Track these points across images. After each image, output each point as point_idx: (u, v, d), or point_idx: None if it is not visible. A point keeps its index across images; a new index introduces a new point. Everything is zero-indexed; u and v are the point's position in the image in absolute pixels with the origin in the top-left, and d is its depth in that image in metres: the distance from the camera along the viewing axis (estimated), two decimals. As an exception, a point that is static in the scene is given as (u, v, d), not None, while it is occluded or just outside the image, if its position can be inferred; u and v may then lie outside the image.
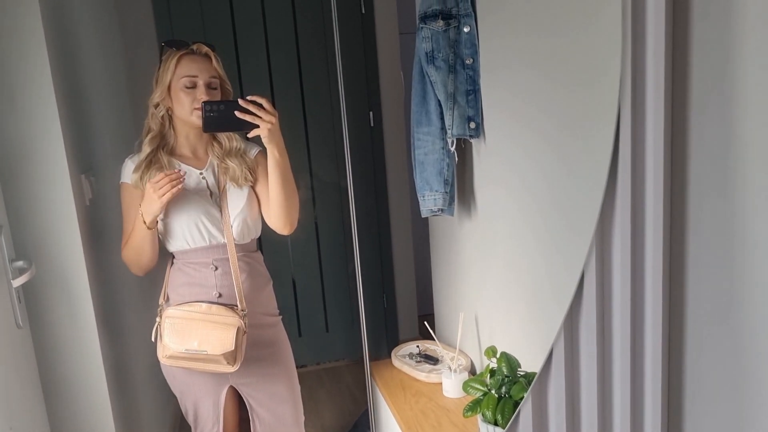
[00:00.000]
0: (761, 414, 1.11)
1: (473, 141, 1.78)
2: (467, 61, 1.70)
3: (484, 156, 1.76)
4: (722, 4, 1.06)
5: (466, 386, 1.46)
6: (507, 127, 1.62)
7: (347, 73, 1.86)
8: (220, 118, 1.40)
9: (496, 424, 1.35)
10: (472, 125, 1.72)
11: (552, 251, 1.46)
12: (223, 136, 1.55)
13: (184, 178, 1.43)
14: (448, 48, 1.70)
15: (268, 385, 1.63)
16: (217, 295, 1.52)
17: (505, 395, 1.36)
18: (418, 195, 1.84)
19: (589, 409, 1.28)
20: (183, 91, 1.46)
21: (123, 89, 2.28)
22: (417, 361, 2.08)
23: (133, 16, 2.42)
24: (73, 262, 1.48)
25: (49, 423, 1.49)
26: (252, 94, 1.40)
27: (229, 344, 1.44)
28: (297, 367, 1.71)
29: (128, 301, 1.91)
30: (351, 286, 2.88)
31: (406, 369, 2.04)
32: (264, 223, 1.59)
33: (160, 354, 1.49)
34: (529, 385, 1.30)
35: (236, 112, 1.39)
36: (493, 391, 1.38)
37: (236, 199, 1.53)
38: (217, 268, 1.52)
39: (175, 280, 1.54)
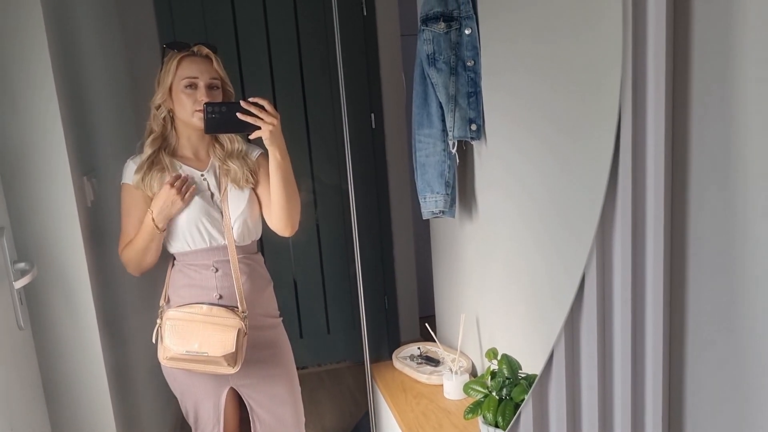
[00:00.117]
0: (762, 416, 1.11)
1: (474, 143, 1.78)
2: (468, 63, 1.70)
3: (485, 158, 1.76)
4: (723, 7, 1.06)
5: (467, 388, 1.46)
6: (508, 130, 1.62)
7: (349, 75, 1.87)
8: (221, 120, 1.40)
9: (497, 426, 1.34)
10: (473, 127, 1.72)
11: (553, 253, 1.46)
12: (224, 138, 1.55)
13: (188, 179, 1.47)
14: (449, 50, 1.70)
15: (269, 387, 1.64)
16: (218, 296, 1.52)
17: (506, 397, 1.36)
18: (420, 197, 1.84)
19: (590, 411, 1.28)
20: (184, 92, 1.46)
21: (125, 91, 2.28)
22: (418, 363, 2.08)
23: (135, 18, 2.43)
24: (75, 264, 1.48)
25: (50, 424, 1.49)
26: (254, 96, 1.40)
27: (229, 346, 1.45)
28: (298, 369, 1.72)
29: (129, 302, 1.91)
30: (352, 287, 2.88)
31: (407, 371, 2.04)
32: (265, 225, 1.59)
33: (161, 355, 1.49)
34: (530, 387, 1.30)
35: (238, 114, 1.39)
36: (494, 393, 1.38)
37: (237, 201, 1.53)
38: (217, 270, 1.52)
39: (175, 281, 1.55)
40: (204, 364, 1.47)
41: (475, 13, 1.67)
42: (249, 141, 1.53)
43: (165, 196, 1.44)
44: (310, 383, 2.82)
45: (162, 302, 1.56)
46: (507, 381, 1.38)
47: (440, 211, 1.81)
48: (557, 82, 1.37)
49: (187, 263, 1.53)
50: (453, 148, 1.75)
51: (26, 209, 1.43)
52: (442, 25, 1.69)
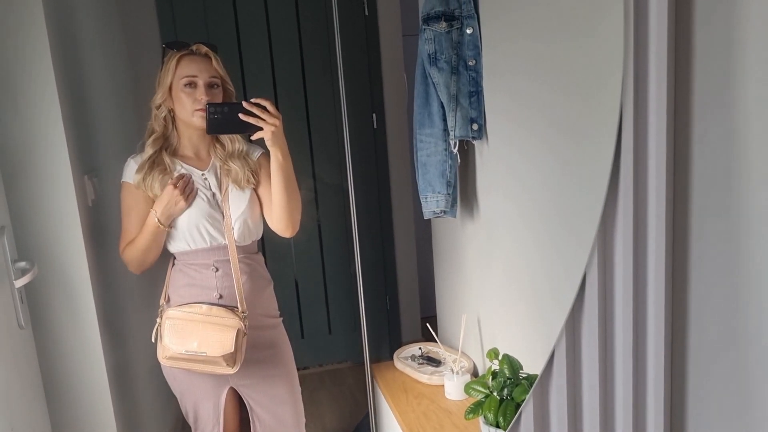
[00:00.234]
0: (764, 417, 1.10)
1: (476, 143, 1.78)
2: (470, 63, 1.70)
3: (486, 158, 1.76)
4: (725, 9, 1.06)
5: (468, 388, 1.46)
6: (510, 129, 1.62)
7: (350, 75, 1.87)
8: (223, 121, 1.40)
9: (497, 426, 1.34)
10: (475, 127, 1.72)
11: (554, 253, 1.46)
12: (226, 138, 1.55)
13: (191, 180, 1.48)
14: (450, 49, 1.70)
15: (269, 387, 1.63)
16: (218, 296, 1.52)
17: (507, 397, 1.36)
18: (421, 197, 1.84)
19: (591, 411, 1.28)
20: (183, 91, 1.46)
21: (126, 90, 2.28)
22: (419, 363, 2.08)
23: (136, 18, 2.43)
24: (76, 263, 1.48)
25: (50, 423, 1.49)
26: (255, 97, 1.40)
27: (228, 346, 1.44)
28: (298, 369, 1.71)
29: (130, 301, 1.91)
30: (353, 287, 2.87)
31: (408, 371, 2.04)
32: (266, 225, 1.59)
33: (160, 355, 1.49)
34: (531, 387, 1.30)
35: (240, 115, 1.39)
36: (495, 394, 1.38)
37: (238, 201, 1.53)
38: (217, 270, 1.52)
39: (175, 281, 1.54)
40: (203, 364, 1.47)
41: (477, 12, 1.67)
42: (250, 141, 1.53)
43: (168, 196, 1.45)
44: (311, 383, 2.82)
45: (162, 301, 1.56)
46: (508, 381, 1.38)
47: (441, 211, 1.80)
48: (559, 82, 1.36)
49: (188, 263, 1.53)
50: (454, 148, 1.75)
51: (27, 208, 1.43)
52: (444, 24, 1.69)
